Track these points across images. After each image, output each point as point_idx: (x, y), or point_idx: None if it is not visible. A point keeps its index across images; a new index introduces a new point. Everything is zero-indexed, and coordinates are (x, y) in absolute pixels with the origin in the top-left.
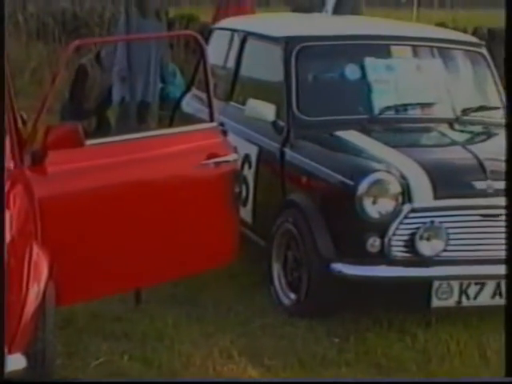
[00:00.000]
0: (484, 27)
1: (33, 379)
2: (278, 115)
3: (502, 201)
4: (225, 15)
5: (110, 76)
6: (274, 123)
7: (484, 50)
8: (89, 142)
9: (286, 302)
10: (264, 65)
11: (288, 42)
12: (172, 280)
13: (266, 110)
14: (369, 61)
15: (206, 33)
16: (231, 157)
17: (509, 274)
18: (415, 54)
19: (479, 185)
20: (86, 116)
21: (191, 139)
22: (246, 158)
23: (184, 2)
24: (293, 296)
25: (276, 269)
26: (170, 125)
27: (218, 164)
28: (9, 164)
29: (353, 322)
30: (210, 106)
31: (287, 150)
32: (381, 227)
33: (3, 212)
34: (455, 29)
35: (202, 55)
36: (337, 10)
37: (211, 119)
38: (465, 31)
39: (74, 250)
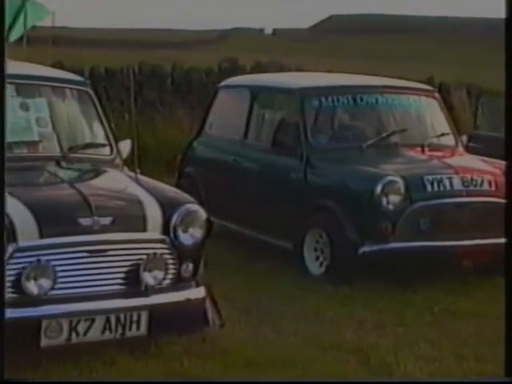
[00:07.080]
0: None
1: None
2: None
3: (108, 236)
4: None
5: None
6: None
7: (89, 89)
8: None
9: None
10: None
11: None
12: None
13: None
14: None
15: None
16: None
17: (508, 272)
18: (19, 92)
19: (85, 221)
20: None
21: None
22: None
23: None
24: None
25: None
26: None
27: None
28: None
29: None
30: None
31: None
32: None
33: (3, 212)
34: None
35: None
36: None
37: None
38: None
39: None
